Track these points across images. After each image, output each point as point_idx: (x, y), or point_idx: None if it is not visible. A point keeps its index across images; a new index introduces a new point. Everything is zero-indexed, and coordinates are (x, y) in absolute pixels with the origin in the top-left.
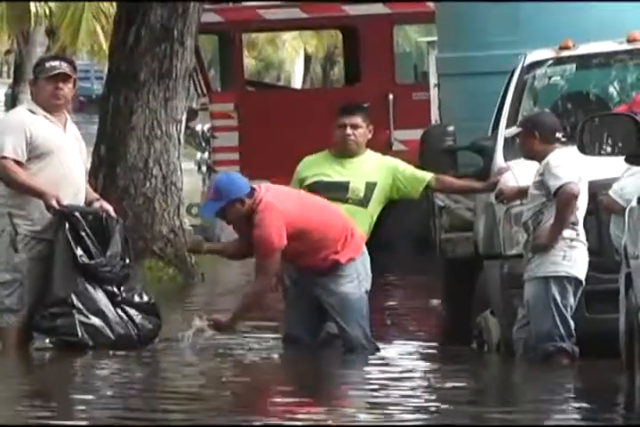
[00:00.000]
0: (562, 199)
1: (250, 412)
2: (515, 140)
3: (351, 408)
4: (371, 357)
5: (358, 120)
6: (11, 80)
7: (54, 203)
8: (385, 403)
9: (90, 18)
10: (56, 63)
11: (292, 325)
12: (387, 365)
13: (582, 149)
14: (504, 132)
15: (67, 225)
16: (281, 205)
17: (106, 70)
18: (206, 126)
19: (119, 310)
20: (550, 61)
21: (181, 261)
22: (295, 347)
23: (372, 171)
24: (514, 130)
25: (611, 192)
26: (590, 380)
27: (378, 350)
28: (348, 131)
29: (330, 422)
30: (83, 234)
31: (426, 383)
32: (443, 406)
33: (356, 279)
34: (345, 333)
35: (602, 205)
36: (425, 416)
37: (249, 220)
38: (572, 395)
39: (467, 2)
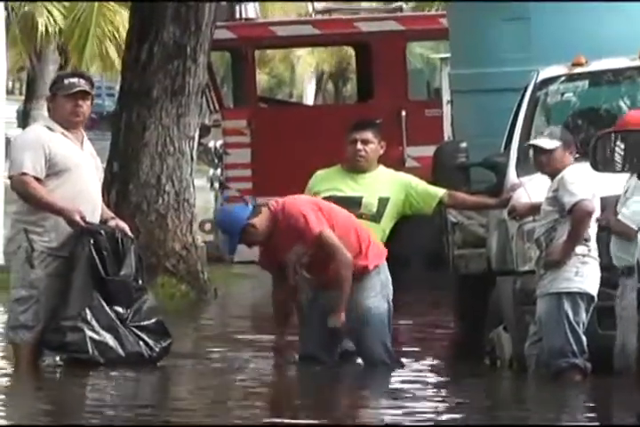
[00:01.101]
0: (576, 216)
1: None
2: (527, 156)
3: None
4: (383, 372)
5: (369, 136)
6: (23, 97)
7: (79, 219)
8: (394, 416)
9: (95, 39)
10: (75, 80)
11: (307, 343)
12: (399, 380)
13: (595, 166)
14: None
15: (92, 242)
16: (302, 202)
17: (117, 87)
18: (219, 143)
19: (128, 331)
20: (563, 78)
21: (194, 277)
22: (312, 365)
23: (385, 186)
24: (553, 143)
25: (621, 216)
26: (603, 397)
27: (401, 365)
28: (359, 146)
29: None
30: (104, 253)
31: (436, 398)
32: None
33: (380, 293)
34: (365, 348)
35: (613, 230)
36: None
37: (280, 229)
38: (584, 413)
39: (480, 14)
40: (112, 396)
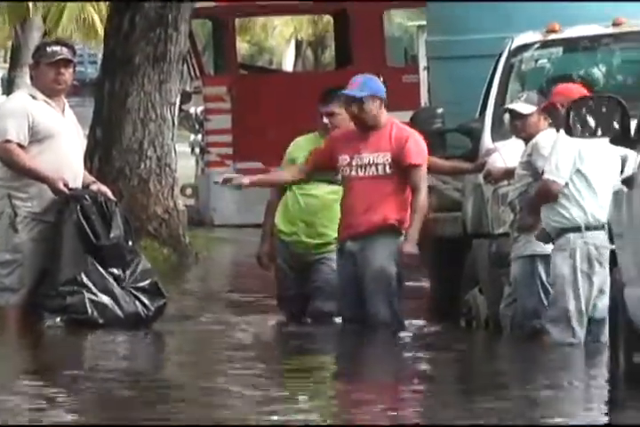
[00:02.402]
0: (540, 190)
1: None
2: (502, 122)
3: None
4: (357, 332)
5: (335, 108)
6: (7, 65)
7: (63, 187)
8: (362, 374)
9: (75, 5)
10: (57, 48)
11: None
12: (375, 341)
13: (569, 132)
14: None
15: (78, 208)
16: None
17: (100, 55)
18: (200, 109)
19: (125, 291)
20: (537, 45)
21: (176, 240)
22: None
23: None
24: (529, 108)
25: (547, 175)
26: (575, 357)
27: (403, 327)
28: (325, 120)
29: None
30: (92, 217)
31: (412, 357)
32: (426, 382)
33: (392, 255)
34: (371, 307)
35: (542, 190)
36: (407, 389)
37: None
38: (556, 372)
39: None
40: (98, 353)
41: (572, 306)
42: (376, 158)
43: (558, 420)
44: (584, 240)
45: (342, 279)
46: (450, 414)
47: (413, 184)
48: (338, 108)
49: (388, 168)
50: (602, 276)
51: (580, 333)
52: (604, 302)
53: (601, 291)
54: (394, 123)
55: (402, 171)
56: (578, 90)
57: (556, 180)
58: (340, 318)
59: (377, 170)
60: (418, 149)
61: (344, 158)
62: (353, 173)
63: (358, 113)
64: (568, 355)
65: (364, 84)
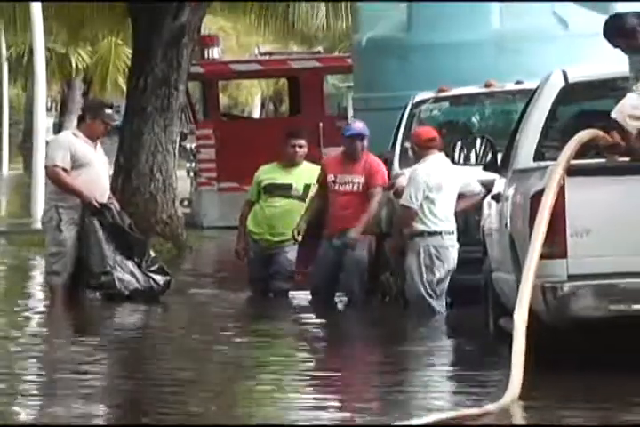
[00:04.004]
0: (400, 215)
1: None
2: (407, 154)
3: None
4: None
5: (302, 142)
6: (57, 113)
7: (94, 202)
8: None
9: (112, 73)
10: (111, 112)
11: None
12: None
13: (454, 161)
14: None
15: (106, 215)
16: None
17: (123, 106)
18: (193, 145)
19: (141, 273)
20: (431, 100)
21: (176, 238)
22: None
23: (308, 176)
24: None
25: (402, 201)
26: (458, 323)
27: (364, 298)
28: (297, 149)
29: None
30: (118, 222)
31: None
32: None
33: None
34: (346, 284)
35: (401, 215)
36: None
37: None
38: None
39: (374, 54)
40: (125, 316)
41: (422, 290)
42: (352, 179)
43: (442, 368)
44: (426, 242)
45: (322, 261)
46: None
47: (371, 196)
48: (304, 141)
49: (360, 187)
50: (442, 270)
51: (438, 306)
52: (445, 285)
53: (443, 280)
54: (368, 155)
55: (368, 189)
56: (426, 132)
57: (410, 206)
58: (311, 289)
59: (352, 187)
60: (381, 175)
61: (330, 177)
62: (336, 188)
63: (359, 146)
64: (433, 321)
65: (365, 128)
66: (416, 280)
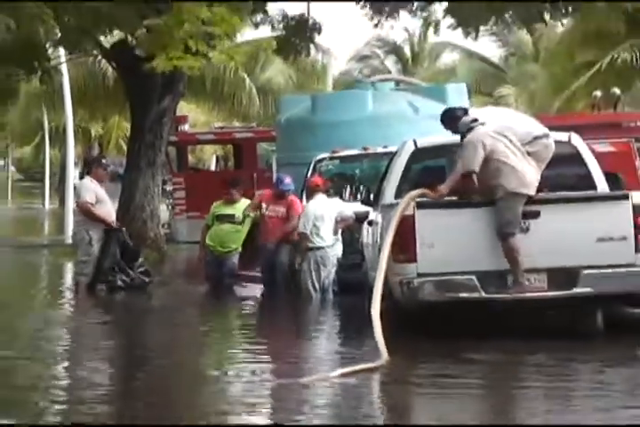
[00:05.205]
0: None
1: None
2: None
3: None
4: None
5: (238, 188)
6: (81, 166)
7: (112, 225)
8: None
9: (118, 139)
10: (105, 161)
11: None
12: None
13: (342, 198)
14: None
15: (119, 235)
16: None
17: (124, 161)
18: (171, 188)
19: (135, 273)
20: (328, 158)
21: (159, 249)
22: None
23: (245, 208)
24: None
25: (299, 230)
26: (343, 307)
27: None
28: (234, 193)
29: None
30: (125, 239)
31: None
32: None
33: (287, 252)
34: (277, 278)
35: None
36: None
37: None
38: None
39: (291, 127)
40: (125, 299)
41: (310, 285)
42: (279, 208)
43: (326, 341)
44: (314, 254)
45: (264, 264)
46: None
47: (290, 220)
48: (239, 187)
49: (283, 214)
50: (325, 271)
51: (325, 296)
52: (330, 280)
53: (327, 277)
54: (290, 195)
55: (288, 216)
56: (314, 181)
57: (304, 231)
58: (262, 284)
59: (277, 213)
60: (296, 208)
61: (264, 206)
62: (268, 213)
63: (286, 192)
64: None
65: (291, 182)
66: (307, 278)
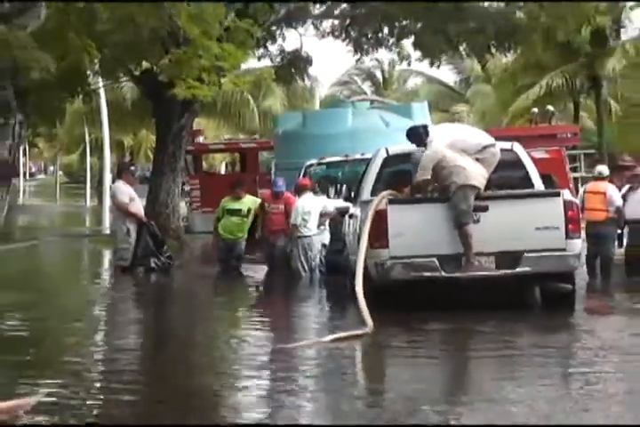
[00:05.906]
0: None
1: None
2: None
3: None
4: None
5: (243, 188)
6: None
7: (144, 219)
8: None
9: (146, 149)
10: (133, 168)
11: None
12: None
13: (328, 196)
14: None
15: (150, 227)
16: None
17: (151, 167)
18: (188, 188)
19: (164, 257)
20: (316, 163)
21: (179, 239)
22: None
23: (249, 203)
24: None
25: (291, 221)
26: (328, 286)
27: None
28: (239, 191)
29: None
30: (155, 230)
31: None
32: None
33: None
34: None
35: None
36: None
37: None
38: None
39: (284, 139)
40: (156, 279)
41: (300, 266)
42: (279, 205)
43: (313, 316)
44: (302, 241)
45: (267, 250)
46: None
47: (289, 213)
48: (244, 188)
49: (282, 209)
50: (312, 255)
51: (313, 276)
52: (316, 262)
53: (314, 260)
54: (285, 193)
55: (286, 211)
56: (302, 182)
57: (294, 222)
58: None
59: (278, 209)
60: (292, 203)
61: (267, 203)
62: (271, 210)
63: (281, 192)
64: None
65: (284, 183)
66: (296, 261)
